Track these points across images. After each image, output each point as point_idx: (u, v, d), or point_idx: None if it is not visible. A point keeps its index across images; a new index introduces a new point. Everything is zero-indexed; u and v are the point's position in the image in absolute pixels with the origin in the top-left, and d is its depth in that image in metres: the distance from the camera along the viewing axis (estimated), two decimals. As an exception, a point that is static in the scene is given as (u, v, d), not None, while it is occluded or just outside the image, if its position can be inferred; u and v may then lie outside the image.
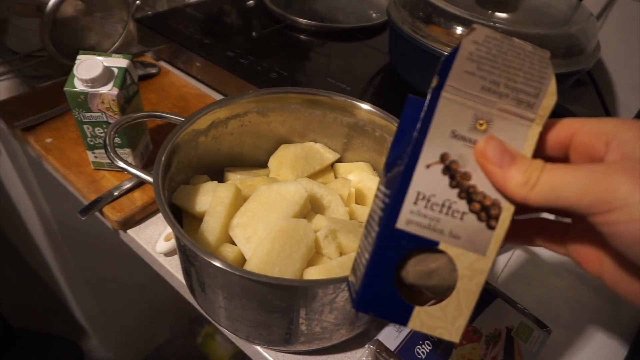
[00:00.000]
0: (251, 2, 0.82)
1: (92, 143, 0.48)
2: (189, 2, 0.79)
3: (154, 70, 0.67)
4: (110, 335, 1.25)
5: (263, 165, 0.50)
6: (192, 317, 1.41)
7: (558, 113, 0.46)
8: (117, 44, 0.68)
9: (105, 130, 0.47)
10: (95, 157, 0.49)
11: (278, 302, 0.32)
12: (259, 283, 0.30)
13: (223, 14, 0.77)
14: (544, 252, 0.52)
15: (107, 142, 0.39)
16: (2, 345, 1.12)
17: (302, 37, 0.73)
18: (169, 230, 0.46)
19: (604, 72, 0.70)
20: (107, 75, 0.44)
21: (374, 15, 0.80)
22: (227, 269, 0.30)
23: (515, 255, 0.51)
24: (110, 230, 0.51)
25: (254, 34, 0.72)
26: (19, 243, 1.39)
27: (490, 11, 0.55)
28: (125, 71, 0.45)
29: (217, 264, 0.30)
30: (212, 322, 0.40)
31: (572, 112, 0.44)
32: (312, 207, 0.41)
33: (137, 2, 0.68)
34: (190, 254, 0.33)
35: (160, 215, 0.49)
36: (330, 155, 0.49)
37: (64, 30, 0.66)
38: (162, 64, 0.71)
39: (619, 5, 0.65)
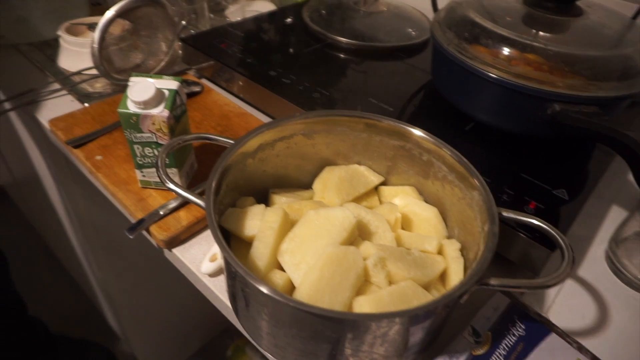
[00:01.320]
0: (289, 19, 0.83)
1: (141, 162, 0.49)
2: (231, 22, 0.81)
3: (197, 89, 0.68)
4: (142, 344, 1.27)
5: (306, 186, 0.50)
6: (222, 329, 1.42)
7: (611, 137, 0.44)
8: (163, 63, 0.70)
9: (154, 150, 0.48)
10: (144, 175, 0.50)
11: (329, 333, 0.31)
12: (312, 314, 0.30)
13: (264, 33, 0.78)
14: (597, 283, 0.49)
15: (159, 164, 0.39)
16: (42, 350, 1.15)
17: (342, 56, 0.73)
18: (213, 250, 0.47)
19: (657, 93, 0.67)
20: (158, 97, 0.45)
21: (414, 33, 0.79)
22: (280, 299, 0.30)
23: (566, 286, 0.49)
24: (151, 245, 0.51)
25: (292, 51, 0.72)
26: (59, 252, 1.44)
27: (540, 32, 0.53)
28: (175, 93, 0.46)
29: (271, 293, 0.30)
30: (257, 347, 0.39)
31: (632, 137, 0.42)
32: (359, 233, 0.41)
33: (183, 22, 0.70)
34: (241, 280, 0.33)
35: (204, 235, 0.50)
36: (374, 178, 0.49)
37: (112, 48, 0.68)
38: (205, 81, 0.72)
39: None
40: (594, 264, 0.52)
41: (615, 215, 0.58)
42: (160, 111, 0.45)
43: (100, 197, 0.57)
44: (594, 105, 0.49)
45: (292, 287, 0.37)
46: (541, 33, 0.53)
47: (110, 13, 0.63)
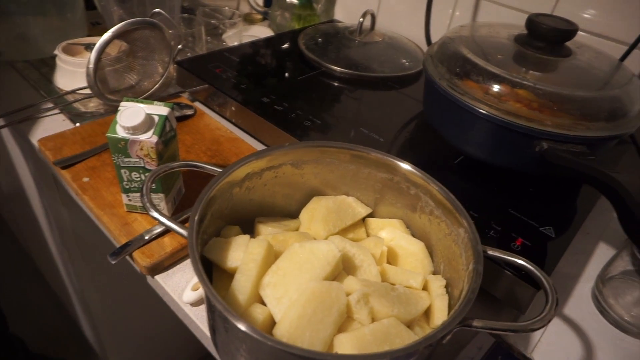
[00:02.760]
0: (285, 46, 0.84)
1: (127, 187, 0.48)
2: (227, 46, 0.82)
3: (189, 112, 0.68)
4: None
5: (294, 214, 0.49)
6: (203, 354, 1.39)
7: (598, 179, 0.45)
8: (157, 85, 0.70)
9: (142, 174, 0.47)
10: (129, 200, 0.50)
11: (308, 373, 0.31)
12: (291, 354, 0.29)
13: (259, 59, 0.79)
14: (583, 322, 0.49)
15: (144, 191, 0.39)
16: None
17: (336, 84, 0.74)
18: (196, 279, 0.46)
19: (645, 132, 0.68)
20: (148, 123, 0.45)
21: (407, 64, 0.80)
22: (258, 337, 0.29)
23: (552, 325, 0.48)
24: (136, 271, 0.50)
25: (286, 78, 0.73)
26: (44, 268, 1.42)
27: (530, 70, 0.54)
28: (165, 119, 0.46)
29: (249, 331, 0.29)
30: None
31: (619, 181, 0.42)
32: (343, 267, 0.40)
33: (179, 46, 0.70)
34: (220, 315, 0.32)
35: (188, 262, 0.49)
36: (362, 210, 0.48)
37: (107, 69, 0.69)
38: (198, 104, 0.73)
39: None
40: (580, 302, 0.51)
41: (602, 253, 0.58)
42: (149, 137, 0.44)
43: (86, 217, 0.57)
44: (581, 145, 0.50)
45: (272, 322, 0.36)
46: (531, 72, 0.54)
47: (107, 35, 0.63)
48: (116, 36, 0.64)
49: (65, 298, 1.27)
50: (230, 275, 0.39)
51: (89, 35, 0.86)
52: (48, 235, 1.01)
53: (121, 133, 0.44)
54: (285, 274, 0.37)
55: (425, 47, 0.81)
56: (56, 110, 0.69)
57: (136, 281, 0.97)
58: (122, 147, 0.45)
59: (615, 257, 0.52)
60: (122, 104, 0.46)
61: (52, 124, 0.67)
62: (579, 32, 0.56)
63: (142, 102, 0.47)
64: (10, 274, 1.53)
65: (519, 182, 0.57)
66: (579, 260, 0.56)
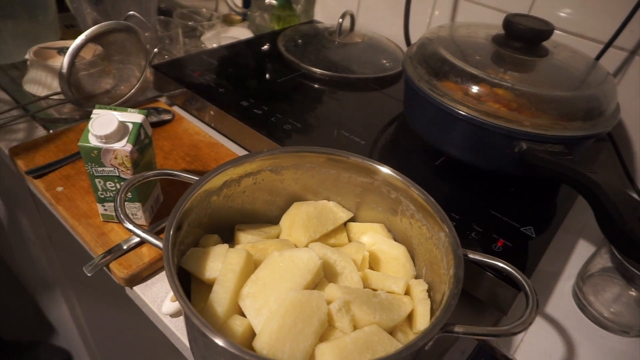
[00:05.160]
0: (265, 48, 0.83)
1: (102, 196, 0.47)
2: (205, 49, 0.80)
3: (167, 117, 0.67)
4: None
5: (275, 220, 0.49)
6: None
7: (576, 179, 0.45)
8: (134, 89, 0.69)
9: (117, 183, 0.46)
10: (105, 209, 0.48)
11: (288, 386, 0.30)
12: (270, 368, 0.28)
13: (238, 62, 0.78)
14: (565, 320, 0.49)
15: (119, 203, 0.38)
16: None
17: (316, 86, 0.73)
18: (175, 289, 0.45)
19: (621, 129, 0.69)
20: (121, 131, 0.44)
21: (388, 64, 0.80)
22: (236, 352, 0.28)
23: (534, 324, 0.49)
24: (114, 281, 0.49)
25: (266, 81, 0.72)
26: (25, 280, 1.38)
27: (508, 71, 0.54)
28: (139, 126, 0.45)
29: (226, 346, 0.28)
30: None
31: (596, 181, 0.43)
32: (324, 274, 0.40)
33: (156, 49, 0.69)
34: (198, 330, 0.32)
35: (167, 271, 0.48)
36: (343, 215, 0.48)
37: (82, 74, 0.67)
38: (176, 109, 0.71)
39: (636, 63, 0.64)
40: (561, 300, 0.52)
41: (582, 250, 0.58)
42: (123, 145, 0.43)
43: (63, 227, 0.55)
44: (559, 145, 0.50)
45: (252, 334, 0.35)
46: (509, 72, 0.54)
47: (81, 38, 0.61)
48: (90, 39, 0.62)
49: (49, 311, 1.25)
50: (209, 286, 0.38)
51: (62, 39, 0.84)
52: (27, 244, 0.99)
53: (94, 142, 0.43)
54: (264, 284, 0.36)
55: (405, 47, 0.81)
56: (28, 117, 0.67)
57: (116, 289, 0.95)
58: (96, 156, 0.44)
59: (594, 254, 0.52)
60: (95, 111, 0.45)
61: (23, 131, 0.65)
62: (556, 31, 0.56)
63: (115, 110, 0.46)
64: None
65: (500, 182, 0.57)
66: (560, 258, 0.57)
